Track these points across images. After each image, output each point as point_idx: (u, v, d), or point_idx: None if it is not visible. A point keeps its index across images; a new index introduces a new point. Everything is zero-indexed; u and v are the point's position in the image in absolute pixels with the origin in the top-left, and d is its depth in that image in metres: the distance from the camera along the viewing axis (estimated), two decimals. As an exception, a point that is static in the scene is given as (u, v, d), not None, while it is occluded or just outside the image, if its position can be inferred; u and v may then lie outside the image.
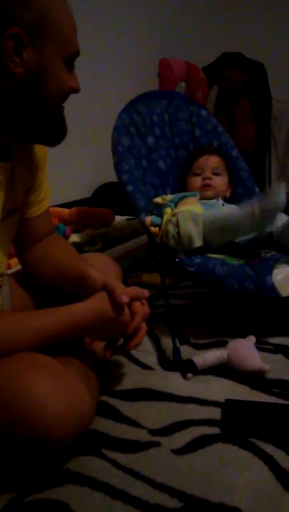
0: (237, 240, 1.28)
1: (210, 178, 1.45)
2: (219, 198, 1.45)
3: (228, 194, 1.51)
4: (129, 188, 1.32)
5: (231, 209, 1.37)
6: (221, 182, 1.47)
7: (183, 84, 2.59)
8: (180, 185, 1.52)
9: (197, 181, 1.47)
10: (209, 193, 1.44)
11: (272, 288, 1.15)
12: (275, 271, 1.18)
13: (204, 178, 1.46)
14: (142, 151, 1.46)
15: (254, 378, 1.07)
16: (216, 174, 1.47)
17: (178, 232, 1.23)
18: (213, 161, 1.48)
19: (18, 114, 0.81)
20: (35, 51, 0.76)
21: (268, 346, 1.22)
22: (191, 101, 1.65)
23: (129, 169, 1.34)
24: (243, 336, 1.18)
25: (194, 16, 3.27)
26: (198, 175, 1.48)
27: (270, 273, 1.17)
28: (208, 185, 1.45)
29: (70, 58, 0.81)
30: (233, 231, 1.21)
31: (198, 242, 1.22)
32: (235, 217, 1.21)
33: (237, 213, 1.24)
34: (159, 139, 1.53)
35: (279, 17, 3.32)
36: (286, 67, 3.32)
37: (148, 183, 1.46)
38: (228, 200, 1.49)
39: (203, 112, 1.62)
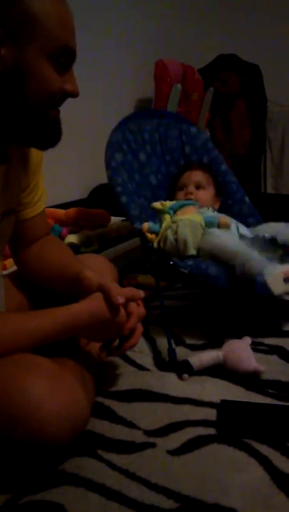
0: None
1: (191, 193, 1.50)
2: (209, 207, 1.47)
3: (216, 206, 1.55)
4: (123, 199, 1.36)
5: (230, 240, 1.37)
6: (204, 195, 1.51)
7: (179, 85, 2.60)
8: (169, 199, 1.55)
9: (181, 195, 1.52)
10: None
11: (264, 286, 1.16)
12: (267, 270, 1.18)
13: (186, 193, 1.51)
14: (134, 166, 1.51)
15: (249, 379, 1.07)
16: (199, 188, 1.52)
17: (176, 239, 1.26)
18: (196, 175, 1.53)
19: (3, 115, 0.79)
20: (15, 47, 0.73)
21: (263, 347, 1.22)
22: (181, 119, 1.71)
23: (123, 182, 1.39)
24: (239, 337, 1.19)
25: (190, 17, 3.28)
26: (182, 189, 1.53)
27: (262, 271, 1.17)
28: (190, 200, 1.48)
29: (57, 55, 0.76)
30: (223, 261, 1.22)
31: (191, 251, 1.26)
32: (228, 254, 1.21)
33: (230, 249, 1.23)
34: (151, 156, 1.59)
35: (275, 19, 3.33)
36: (281, 69, 3.34)
37: (141, 195, 1.50)
38: (219, 211, 1.52)
39: (193, 130, 1.68)
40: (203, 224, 1.30)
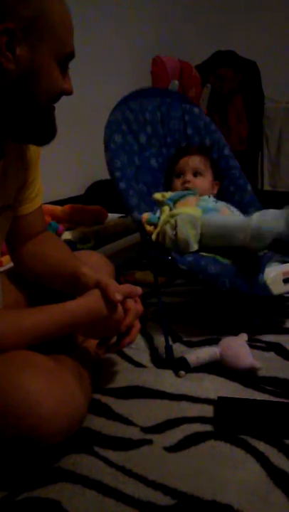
0: None
1: (189, 181, 1.46)
2: (210, 195, 1.45)
3: (214, 191, 1.51)
4: (122, 185, 1.31)
5: (231, 216, 1.37)
6: (202, 182, 1.47)
7: (176, 82, 2.59)
8: (166, 185, 1.53)
9: (178, 183, 1.48)
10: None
11: (264, 286, 1.16)
12: (267, 269, 1.18)
13: (184, 181, 1.46)
14: (134, 148, 1.46)
15: (246, 376, 1.08)
16: (197, 175, 1.48)
17: (175, 235, 1.23)
18: (194, 161, 1.48)
19: (7, 111, 0.80)
20: (29, 49, 0.76)
21: (260, 344, 1.22)
22: (184, 99, 1.65)
23: (122, 166, 1.34)
24: (236, 334, 1.19)
25: (188, 14, 3.26)
26: (179, 176, 1.49)
27: (263, 271, 1.17)
28: (188, 189, 1.45)
29: (64, 59, 0.81)
30: (226, 240, 1.21)
31: (194, 247, 1.23)
32: (230, 227, 1.20)
33: (234, 222, 1.23)
34: (151, 138, 1.53)
35: (272, 16, 3.33)
36: (279, 66, 3.33)
37: (140, 181, 1.45)
38: (217, 197, 1.49)
39: (196, 110, 1.62)
40: (200, 216, 1.28)
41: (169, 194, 1.35)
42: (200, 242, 1.24)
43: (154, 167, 1.52)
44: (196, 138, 1.60)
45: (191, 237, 1.22)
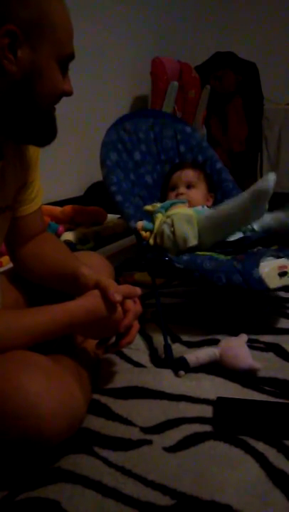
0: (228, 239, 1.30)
1: (182, 194, 1.49)
2: (204, 206, 1.47)
3: (209, 204, 1.54)
4: (118, 198, 1.36)
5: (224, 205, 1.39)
6: (195, 194, 1.51)
7: (176, 83, 2.59)
8: (162, 199, 1.56)
9: (172, 196, 1.51)
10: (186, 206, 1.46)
11: (260, 280, 1.16)
12: (262, 264, 1.19)
13: (177, 194, 1.50)
14: (129, 165, 1.51)
15: (245, 376, 1.08)
16: (190, 187, 1.51)
17: (173, 232, 1.25)
18: (187, 175, 1.52)
19: (9, 113, 0.81)
20: (30, 50, 0.76)
21: (259, 344, 1.23)
22: (176, 119, 1.72)
23: (118, 181, 1.39)
24: (235, 335, 1.19)
25: (187, 15, 3.27)
26: (173, 190, 1.53)
27: (257, 266, 1.18)
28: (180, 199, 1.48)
29: (64, 60, 0.81)
30: (228, 223, 1.25)
31: (193, 241, 1.25)
32: (229, 208, 1.24)
33: (230, 203, 1.27)
34: (146, 155, 1.58)
35: (271, 17, 3.33)
36: (278, 67, 3.34)
37: (136, 194, 1.50)
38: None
39: (188, 129, 1.68)
40: (195, 215, 1.30)
41: (159, 204, 1.37)
42: (198, 238, 1.27)
43: (149, 183, 1.58)
44: (189, 155, 1.66)
45: (188, 232, 1.24)
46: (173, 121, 1.68)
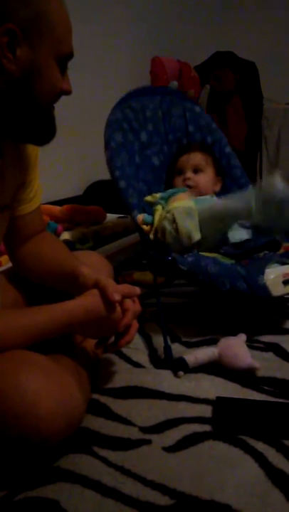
0: (231, 241, 1.29)
1: (189, 178, 1.45)
2: (213, 195, 1.45)
3: (217, 188, 1.50)
4: (122, 184, 1.30)
5: (227, 199, 1.37)
6: (203, 179, 1.46)
7: (175, 82, 2.60)
8: (167, 183, 1.52)
9: (179, 181, 1.47)
10: (192, 192, 1.43)
11: (264, 287, 1.16)
12: (267, 270, 1.18)
13: (184, 179, 1.45)
14: (135, 146, 1.45)
15: (245, 376, 1.08)
16: (198, 171, 1.46)
17: (176, 229, 1.22)
18: (194, 159, 1.47)
19: (8, 111, 0.81)
20: (30, 49, 0.76)
21: (258, 344, 1.22)
22: (185, 97, 1.64)
23: (122, 165, 1.33)
24: (234, 334, 1.19)
25: (187, 14, 3.27)
26: (180, 174, 1.48)
27: (263, 273, 1.17)
28: (189, 186, 1.45)
29: (63, 59, 0.81)
30: (229, 217, 1.23)
31: (196, 236, 1.23)
32: (231, 203, 1.23)
33: (235, 199, 1.26)
34: (153, 135, 1.52)
35: (271, 16, 3.33)
36: (278, 66, 3.34)
37: (141, 179, 1.44)
38: (219, 195, 1.48)
39: (197, 108, 1.62)
40: (195, 207, 1.27)
41: (159, 195, 1.34)
42: (200, 231, 1.24)
43: (156, 165, 1.51)
44: (198, 135, 1.59)
45: (191, 227, 1.22)
46: (182, 99, 1.60)
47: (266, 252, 1.30)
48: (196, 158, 1.47)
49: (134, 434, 0.90)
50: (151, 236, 1.27)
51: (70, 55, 0.82)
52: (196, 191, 1.43)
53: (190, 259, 1.20)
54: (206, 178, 1.46)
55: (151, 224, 1.29)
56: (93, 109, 2.40)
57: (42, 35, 0.76)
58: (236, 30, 3.40)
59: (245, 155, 3.19)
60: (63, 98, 0.86)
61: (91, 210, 2.01)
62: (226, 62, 3.10)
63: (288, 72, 3.38)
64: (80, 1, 2.20)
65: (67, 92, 0.85)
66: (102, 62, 2.53)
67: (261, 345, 1.22)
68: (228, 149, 1.60)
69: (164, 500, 0.75)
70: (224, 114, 3.14)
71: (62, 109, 0.94)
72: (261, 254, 1.30)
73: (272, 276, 1.17)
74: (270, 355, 1.18)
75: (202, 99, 2.94)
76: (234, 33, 3.39)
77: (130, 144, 1.43)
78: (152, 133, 1.52)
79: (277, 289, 1.17)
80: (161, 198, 1.32)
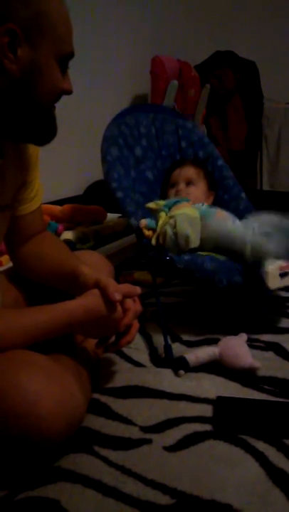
0: None
1: (181, 190, 1.49)
2: (203, 204, 1.46)
3: (209, 201, 1.53)
4: (119, 194, 1.34)
5: (230, 222, 1.38)
6: (194, 191, 1.50)
7: (175, 82, 2.59)
8: (162, 196, 1.56)
9: (172, 193, 1.51)
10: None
11: (261, 281, 1.16)
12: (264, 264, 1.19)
13: (177, 191, 1.49)
14: (130, 161, 1.49)
15: (245, 375, 1.08)
16: (190, 184, 1.50)
17: (175, 233, 1.24)
18: (186, 172, 1.52)
19: (9, 111, 0.81)
20: (30, 49, 0.76)
21: (259, 344, 1.23)
22: (177, 114, 1.70)
23: (119, 177, 1.38)
24: (235, 334, 1.19)
25: (187, 14, 3.27)
26: (173, 187, 1.52)
27: (259, 266, 1.18)
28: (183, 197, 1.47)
29: (64, 59, 0.81)
30: (227, 246, 1.24)
31: (194, 243, 1.25)
32: (231, 238, 1.24)
33: (235, 235, 1.26)
34: (147, 150, 1.57)
35: (271, 16, 3.33)
36: (278, 66, 3.34)
37: (137, 191, 1.49)
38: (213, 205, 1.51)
39: (189, 125, 1.67)
40: (199, 217, 1.30)
41: (163, 202, 1.36)
42: (200, 241, 1.27)
43: (150, 179, 1.56)
44: (190, 151, 1.64)
45: (190, 233, 1.24)
46: (174, 116, 1.66)
47: None
48: (189, 171, 1.52)
49: (134, 433, 0.90)
50: (154, 241, 1.28)
51: (70, 55, 0.82)
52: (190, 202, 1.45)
53: (186, 257, 1.22)
54: (197, 191, 1.51)
55: (154, 229, 1.30)
56: (94, 108, 2.40)
57: (43, 35, 0.76)
58: (236, 29, 3.40)
59: (246, 154, 3.20)
60: (64, 98, 0.86)
61: (91, 209, 2.01)
62: (226, 62, 3.10)
63: (288, 72, 3.37)
64: (81, 1, 2.20)
65: (68, 92, 0.85)
66: (103, 61, 2.53)
67: (261, 345, 1.22)
68: (220, 162, 1.65)
69: (164, 499, 0.75)
70: (224, 114, 3.14)
71: (63, 108, 0.94)
72: None
73: (268, 269, 1.18)
74: (270, 354, 1.18)
75: (202, 98, 2.94)
76: (234, 32, 3.39)
77: (126, 159, 1.47)
78: (146, 148, 1.57)
79: (274, 282, 1.18)
80: (165, 206, 1.34)
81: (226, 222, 1.32)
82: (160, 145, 1.61)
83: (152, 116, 1.61)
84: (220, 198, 1.58)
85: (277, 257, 1.19)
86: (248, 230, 1.24)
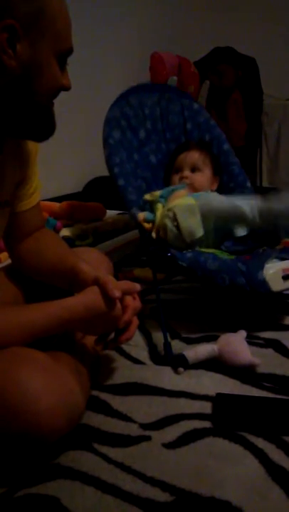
0: (236, 235, 1.29)
1: (186, 177, 1.45)
2: (209, 191, 1.44)
3: (214, 187, 1.50)
4: (121, 181, 1.31)
5: (229, 200, 1.36)
6: (200, 178, 1.46)
7: (175, 78, 2.59)
8: (165, 181, 1.52)
9: (176, 179, 1.47)
10: (188, 190, 1.42)
11: (264, 283, 1.16)
12: (266, 266, 1.18)
13: (181, 177, 1.45)
14: (133, 144, 1.45)
15: (245, 372, 1.08)
16: (195, 170, 1.46)
17: (176, 226, 1.22)
18: (192, 157, 1.47)
19: (8, 107, 0.81)
20: (30, 45, 0.76)
21: (258, 340, 1.22)
22: (183, 94, 1.64)
23: (121, 162, 1.33)
24: (234, 331, 1.19)
25: (186, 9, 3.25)
26: (177, 172, 1.48)
27: (262, 268, 1.17)
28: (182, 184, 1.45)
29: (63, 55, 0.81)
30: (228, 215, 1.22)
31: (199, 232, 1.23)
32: (230, 209, 1.22)
33: (239, 203, 1.25)
34: (151, 133, 1.52)
35: (271, 12, 3.32)
36: (278, 62, 3.32)
37: (139, 176, 1.45)
38: (217, 192, 1.48)
39: (195, 105, 1.61)
40: (196, 203, 1.27)
41: (158, 192, 1.34)
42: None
43: (153, 163, 1.51)
44: (196, 133, 1.59)
45: (193, 224, 1.22)
46: (180, 96, 1.60)
47: (266, 247, 1.30)
48: (194, 157, 1.47)
49: (134, 430, 0.90)
50: (154, 234, 1.26)
51: (69, 51, 0.82)
52: (192, 189, 1.43)
53: (189, 255, 1.20)
54: (203, 178, 1.47)
55: (153, 222, 1.29)
56: (93, 105, 2.40)
57: (42, 31, 0.76)
58: (236, 25, 3.38)
59: (245, 151, 3.19)
60: (63, 94, 0.85)
61: (90, 206, 2.00)
62: (225, 58, 3.09)
63: (288, 68, 3.36)
64: (79, -4, 2.19)
65: (67, 88, 0.85)
66: (102, 57, 2.52)
67: (261, 342, 1.22)
68: (226, 146, 1.60)
69: (164, 496, 0.75)
70: (224, 110, 3.13)
71: (62, 105, 0.93)
72: (261, 249, 1.30)
73: (271, 272, 1.17)
74: (270, 351, 1.18)
75: (202, 95, 2.93)
76: (234, 28, 3.37)
77: (128, 142, 1.42)
78: (150, 131, 1.51)
79: (277, 284, 1.17)
80: (161, 197, 1.32)
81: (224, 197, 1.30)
82: (164, 127, 1.55)
83: (158, 95, 1.54)
84: (225, 184, 1.54)
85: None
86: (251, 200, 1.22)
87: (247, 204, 1.21)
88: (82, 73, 2.25)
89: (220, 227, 1.28)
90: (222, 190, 1.53)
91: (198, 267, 1.17)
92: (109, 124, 1.38)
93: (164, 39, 3.00)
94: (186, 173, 1.46)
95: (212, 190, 1.47)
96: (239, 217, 1.21)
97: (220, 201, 1.29)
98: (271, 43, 3.33)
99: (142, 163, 1.47)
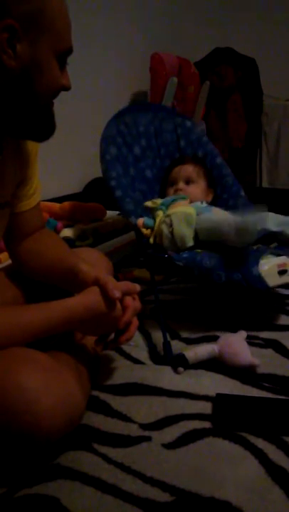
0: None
1: (181, 189, 1.48)
2: (203, 201, 1.46)
3: (209, 199, 1.53)
4: (118, 193, 1.34)
5: (224, 215, 1.38)
6: (194, 190, 1.50)
7: (175, 78, 2.59)
8: (161, 194, 1.56)
9: (171, 191, 1.50)
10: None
11: (260, 278, 1.16)
12: (261, 261, 1.19)
13: (176, 190, 1.49)
14: (129, 159, 1.49)
15: (245, 373, 1.08)
16: (190, 182, 1.50)
17: (171, 232, 1.25)
18: (186, 170, 1.51)
19: (8, 107, 0.81)
20: (29, 45, 0.76)
21: (258, 341, 1.23)
22: (176, 113, 1.70)
23: (117, 176, 1.38)
24: (234, 331, 1.19)
25: (187, 10, 3.26)
26: (172, 185, 1.52)
27: (257, 263, 1.18)
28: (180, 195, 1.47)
29: (63, 55, 0.81)
30: (216, 235, 1.23)
31: (189, 242, 1.26)
32: (217, 222, 1.24)
33: (221, 218, 1.27)
34: (146, 149, 1.57)
35: (271, 12, 3.32)
36: (278, 63, 3.33)
37: (136, 189, 1.49)
38: (211, 204, 1.51)
39: (188, 123, 1.67)
40: (195, 214, 1.30)
41: (159, 200, 1.37)
42: (197, 238, 1.27)
43: (149, 178, 1.56)
44: (189, 150, 1.64)
45: (186, 233, 1.24)
46: (173, 115, 1.66)
47: (260, 245, 1.31)
48: (188, 170, 1.52)
49: (133, 430, 0.90)
50: (151, 240, 1.28)
51: (69, 51, 0.82)
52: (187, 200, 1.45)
53: (185, 255, 1.22)
54: (197, 189, 1.51)
55: (152, 228, 1.30)
56: (93, 105, 2.40)
57: (42, 31, 0.76)
58: (236, 26, 3.39)
59: (245, 151, 3.19)
60: (62, 94, 0.85)
61: (91, 207, 2.00)
62: (225, 59, 3.10)
63: (288, 68, 3.37)
64: (79, -3, 2.19)
65: (67, 88, 0.85)
66: (102, 58, 2.52)
67: (261, 342, 1.22)
68: (219, 160, 1.65)
69: (163, 496, 0.75)
70: (224, 111, 3.14)
71: (62, 105, 0.93)
72: (255, 247, 1.30)
73: (266, 267, 1.18)
74: (269, 351, 1.18)
75: (202, 95, 2.93)
76: (234, 29, 3.38)
77: (124, 157, 1.47)
78: (145, 147, 1.57)
79: (274, 280, 1.18)
80: (162, 204, 1.34)
81: (212, 215, 1.32)
82: (159, 144, 1.61)
83: (151, 114, 1.61)
84: (219, 196, 1.59)
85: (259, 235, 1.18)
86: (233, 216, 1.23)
87: (227, 221, 1.21)
88: (83, 74, 2.25)
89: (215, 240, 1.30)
90: (217, 201, 1.57)
91: (195, 265, 1.19)
92: (105, 140, 1.42)
93: (165, 40, 3.00)
94: (181, 185, 1.50)
95: (207, 202, 1.50)
96: (218, 236, 1.21)
97: (207, 218, 1.30)
98: (271, 44, 3.33)
99: (138, 177, 1.52)
